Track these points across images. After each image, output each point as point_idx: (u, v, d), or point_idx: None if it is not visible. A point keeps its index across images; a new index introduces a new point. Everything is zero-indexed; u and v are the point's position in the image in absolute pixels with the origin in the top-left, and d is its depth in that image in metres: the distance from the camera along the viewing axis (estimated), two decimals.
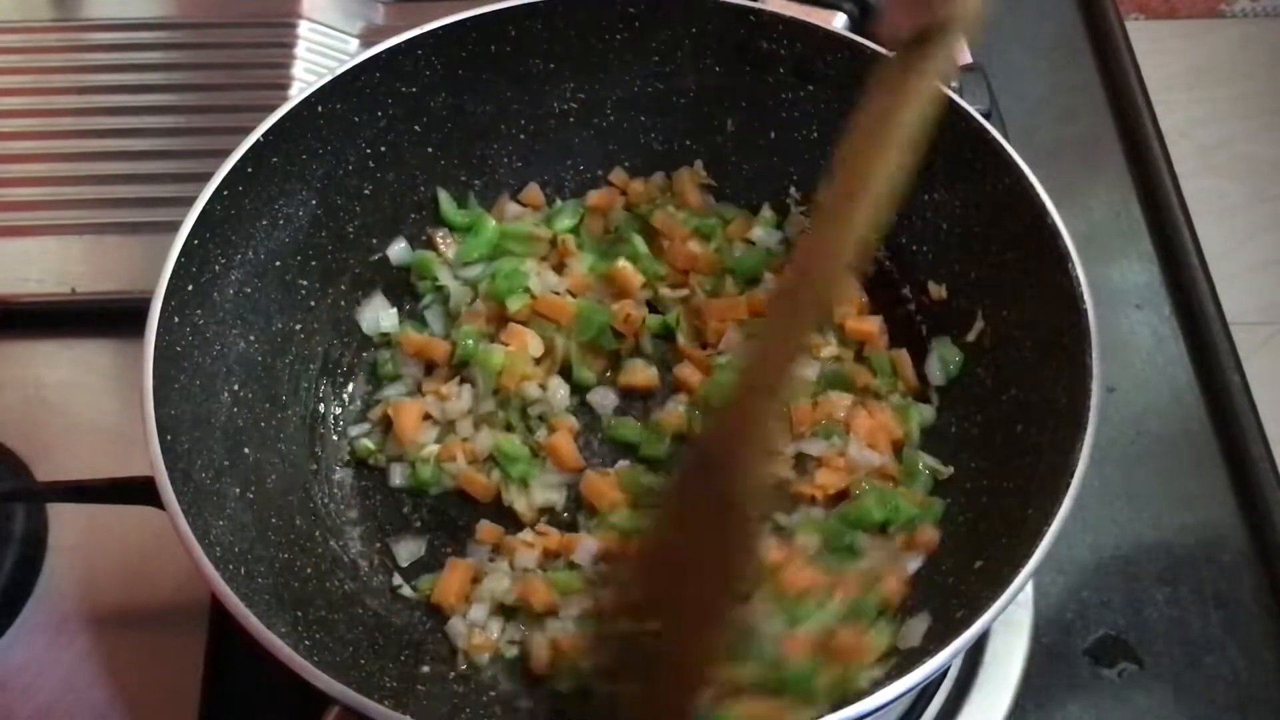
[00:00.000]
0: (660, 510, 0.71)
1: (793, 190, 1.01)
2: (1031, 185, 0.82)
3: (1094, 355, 0.75)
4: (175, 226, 0.80)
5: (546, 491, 0.91)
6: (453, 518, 0.91)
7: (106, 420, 0.98)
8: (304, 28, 1.19)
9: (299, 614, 0.77)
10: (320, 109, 0.89)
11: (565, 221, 1.02)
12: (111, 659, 0.86)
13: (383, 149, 0.95)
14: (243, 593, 0.68)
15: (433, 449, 0.92)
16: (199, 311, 0.82)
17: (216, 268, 0.84)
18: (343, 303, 0.96)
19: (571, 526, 0.90)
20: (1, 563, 0.89)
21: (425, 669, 0.83)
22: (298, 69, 1.16)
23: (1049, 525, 0.69)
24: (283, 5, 1.20)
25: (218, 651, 0.86)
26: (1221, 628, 0.91)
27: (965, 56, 1.20)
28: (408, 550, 0.89)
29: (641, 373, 0.95)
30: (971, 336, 0.91)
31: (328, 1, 1.21)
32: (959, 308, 0.92)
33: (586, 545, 0.86)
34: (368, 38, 1.20)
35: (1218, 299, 1.08)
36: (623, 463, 0.92)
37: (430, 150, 0.98)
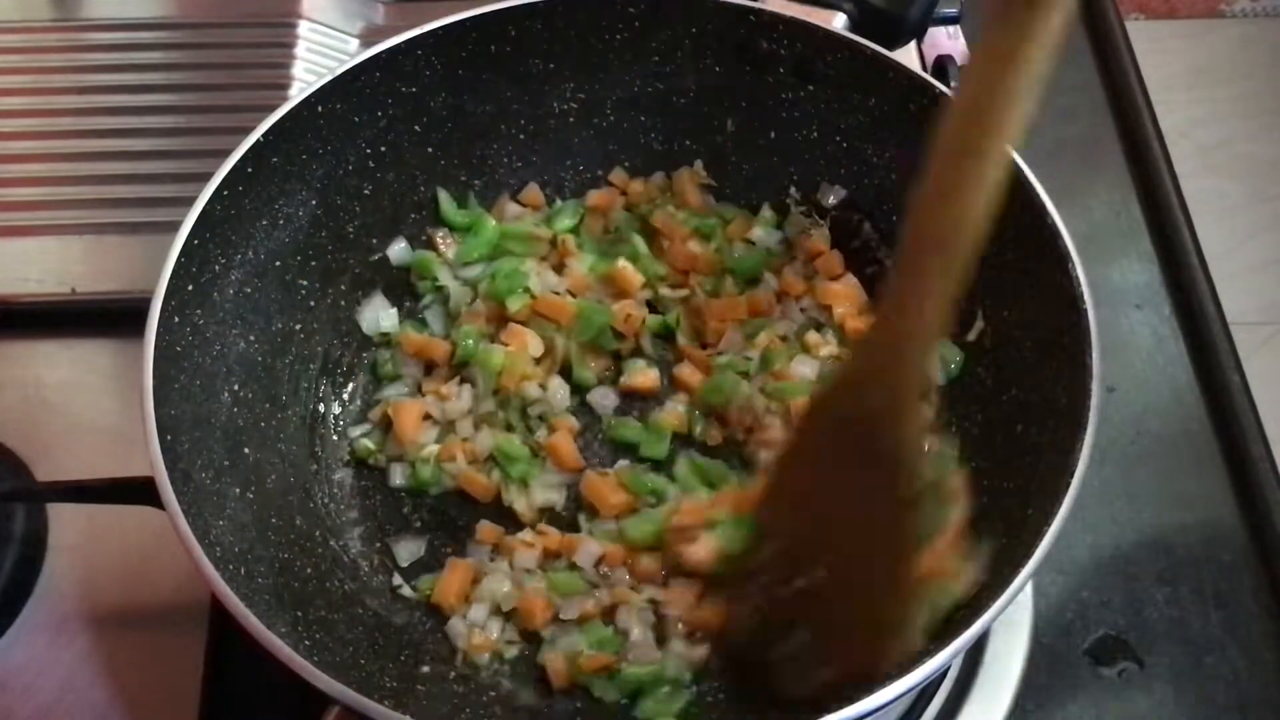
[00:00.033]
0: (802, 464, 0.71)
1: (793, 190, 1.01)
2: (1031, 185, 0.82)
3: (1094, 355, 0.75)
4: (175, 226, 0.80)
5: (546, 491, 0.91)
6: (453, 518, 0.91)
7: (106, 420, 0.98)
8: (304, 28, 1.19)
9: (299, 614, 0.77)
10: (320, 109, 0.89)
11: (565, 221, 1.02)
12: (111, 659, 0.86)
13: (383, 149, 0.95)
14: (243, 593, 0.68)
15: (433, 449, 0.92)
16: (199, 311, 0.82)
17: (216, 268, 0.84)
18: (343, 303, 0.96)
19: (572, 526, 0.90)
20: (1, 563, 0.89)
21: (425, 669, 0.83)
22: (298, 69, 1.16)
23: (1049, 525, 0.69)
24: (283, 5, 1.20)
25: (218, 651, 0.86)
26: (1221, 628, 0.91)
27: (965, 56, 1.20)
28: (408, 550, 0.89)
29: (643, 374, 0.95)
30: (971, 336, 0.90)
31: (328, 1, 1.21)
32: (959, 308, 0.92)
33: (588, 547, 0.86)
34: (368, 38, 1.20)
35: (1218, 299, 1.08)
36: (623, 463, 0.92)
37: (430, 150, 0.98)
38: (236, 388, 0.85)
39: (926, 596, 0.69)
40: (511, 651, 0.85)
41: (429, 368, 0.97)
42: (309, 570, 0.83)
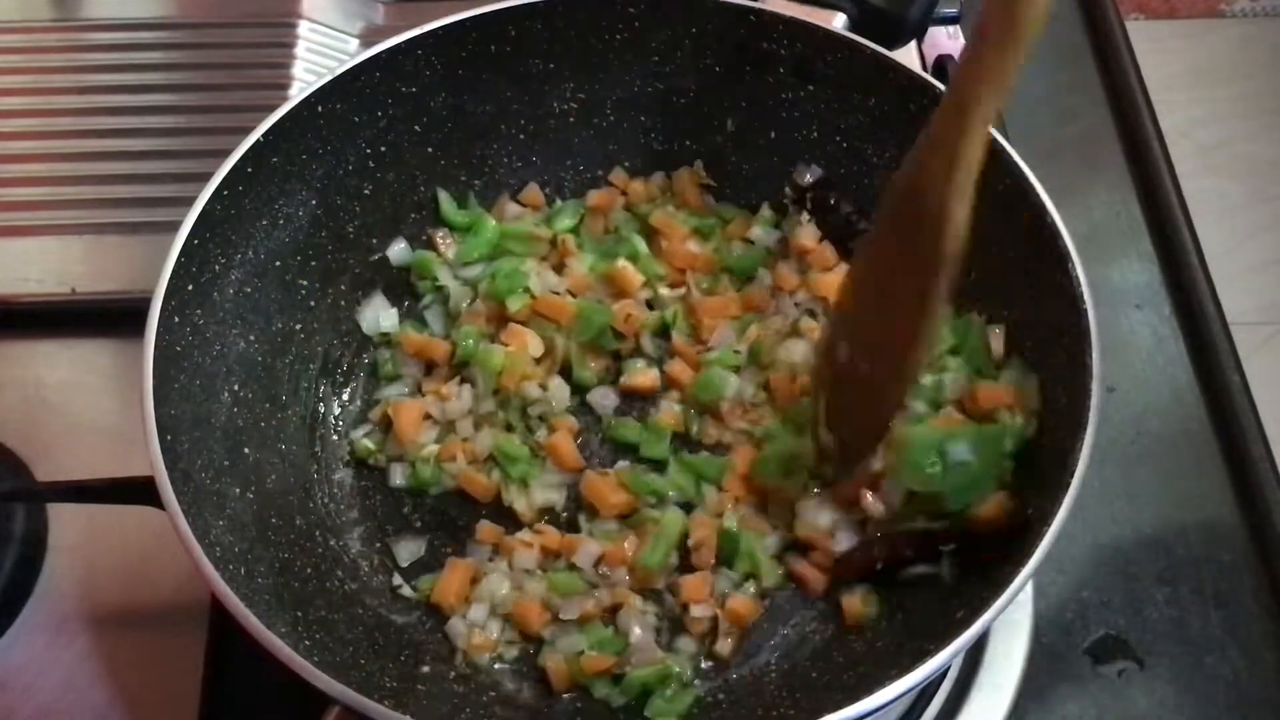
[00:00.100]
0: (866, 254, 0.81)
1: (789, 190, 1.01)
2: (1031, 185, 0.82)
3: (1094, 355, 0.75)
4: (175, 226, 0.80)
5: (546, 491, 0.91)
6: (453, 518, 0.91)
7: (106, 420, 0.98)
8: (304, 28, 1.19)
9: (299, 614, 0.77)
10: (320, 109, 0.89)
11: (565, 221, 1.02)
12: (111, 659, 0.86)
13: (383, 149, 0.95)
14: (243, 593, 0.68)
15: (433, 449, 0.92)
16: (199, 311, 0.82)
17: (216, 268, 0.84)
18: (343, 303, 0.96)
19: (572, 526, 0.90)
20: (1, 563, 0.89)
21: (425, 669, 0.83)
22: (298, 69, 1.16)
23: (1049, 525, 0.69)
24: (283, 5, 1.20)
25: (218, 651, 0.86)
26: (1221, 628, 0.91)
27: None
28: (408, 550, 0.89)
29: (643, 374, 0.95)
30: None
31: (328, 1, 1.21)
32: (959, 307, 0.92)
33: (588, 547, 0.86)
34: (368, 38, 1.20)
35: (1218, 299, 1.08)
36: (623, 463, 0.92)
37: (430, 150, 0.98)
38: (236, 388, 0.85)
39: (991, 433, 0.81)
40: (511, 651, 0.85)
41: (429, 368, 0.97)
42: (309, 570, 0.83)
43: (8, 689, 0.85)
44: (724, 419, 0.93)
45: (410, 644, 0.84)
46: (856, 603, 0.83)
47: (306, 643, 0.74)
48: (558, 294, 0.98)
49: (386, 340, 0.98)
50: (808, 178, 0.99)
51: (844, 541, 0.86)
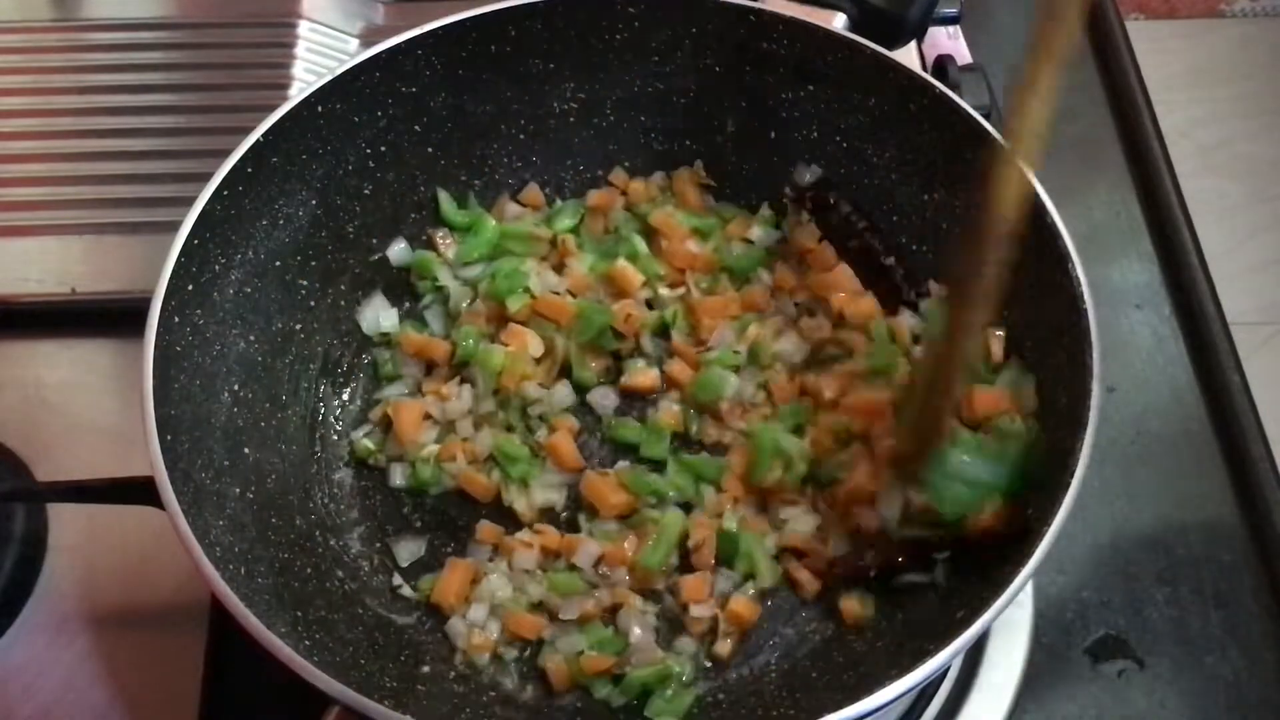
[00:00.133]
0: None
1: (789, 190, 1.01)
2: (1032, 185, 0.82)
3: (1094, 355, 0.75)
4: (175, 226, 0.80)
5: (546, 492, 0.91)
6: (453, 518, 0.91)
7: (106, 420, 0.98)
8: (304, 28, 1.19)
9: (299, 614, 0.77)
10: (320, 109, 0.89)
11: (565, 221, 1.02)
12: (111, 659, 0.86)
13: (383, 149, 0.95)
14: (243, 593, 0.68)
15: (433, 449, 0.92)
16: (199, 311, 0.82)
17: (216, 268, 0.84)
18: (343, 303, 0.96)
19: (572, 526, 0.90)
20: (1, 563, 0.89)
21: (425, 669, 0.83)
22: (298, 69, 1.15)
23: (1049, 525, 0.69)
24: (283, 5, 1.20)
25: (218, 651, 0.86)
26: (1221, 628, 0.91)
27: (965, 56, 1.20)
28: (408, 550, 0.89)
29: (643, 374, 0.95)
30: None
31: (328, 1, 1.21)
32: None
33: (587, 548, 0.86)
34: (368, 38, 1.20)
35: (1218, 299, 1.08)
36: (623, 463, 0.92)
37: (430, 150, 0.98)
38: (236, 388, 0.85)
39: (990, 442, 0.82)
40: (511, 651, 0.85)
41: (429, 368, 0.97)
42: (309, 570, 0.83)
43: (8, 689, 0.85)
44: (724, 419, 0.93)
45: (410, 644, 0.84)
46: (854, 604, 0.83)
47: (306, 643, 0.74)
48: (558, 294, 0.98)
49: (386, 340, 0.98)
50: (807, 177, 0.99)
51: (836, 547, 0.86)
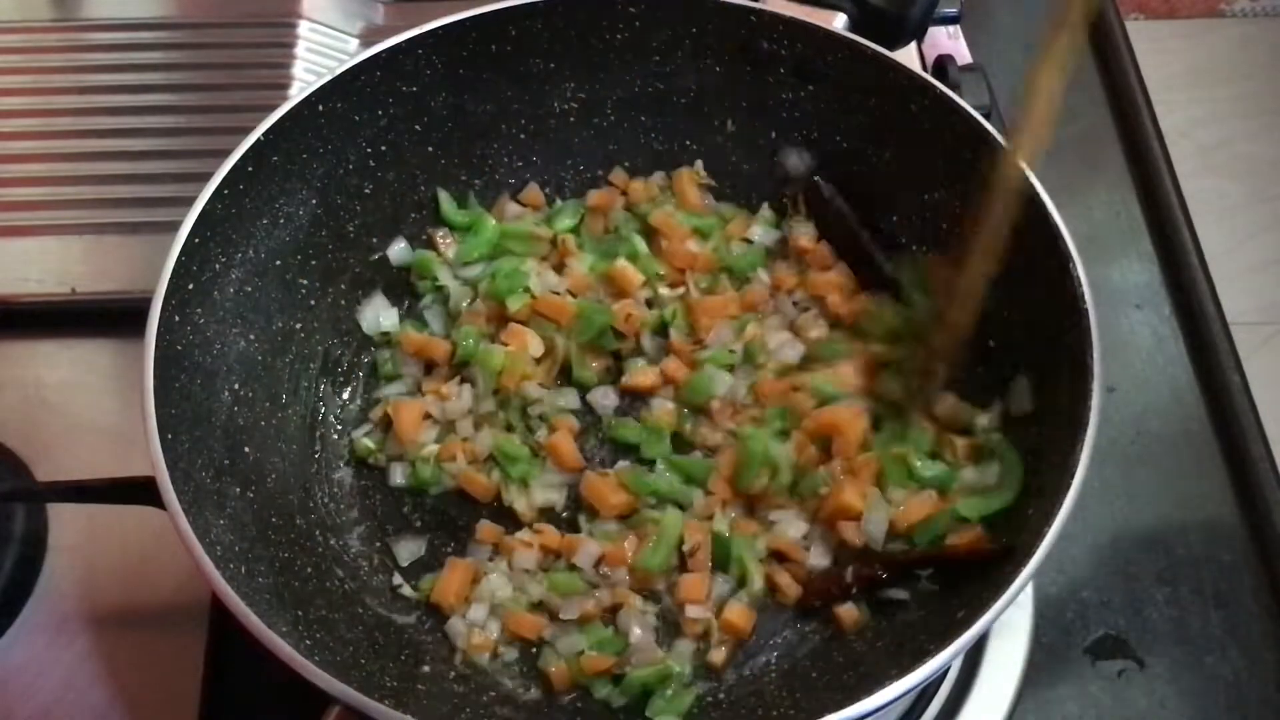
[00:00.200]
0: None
1: (785, 182, 1.01)
2: (1032, 185, 0.82)
3: (1094, 355, 0.75)
4: (175, 226, 0.80)
5: (546, 491, 0.91)
6: (453, 517, 0.91)
7: (106, 420, 0.98)
8: (304, 28, 1.19)
9: (299, 613, 0.77)
10: (320, 109, 0.89)
11: (565, 221, 1.02)
12: (111, 659, 0.86)
13: (383, 148, 0.95)
14: (243, 592, 0.68)
15: (433, 449, 0.92)
16: (199, 311, 0.82)
17: (217, 267, 0.84)
18: (343, 302, 0.96)
19: (572, 526, 0.90)
20: (1, 563, 0.89)
21: (425, 669, 0.83)
22: (298, 69, 1.16)
23: (1049, 525, 0.69)
24: (283, 5, 1.20)
25: (218, 651, 0.86)
26: (1221, 628, 0.91)
27: (965, 56, 1.20)
28: (408, 550, 0.89)
29: (643, 373, 0.95)
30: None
31: (328, 1, 1.21)
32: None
33: (587, 548, 0.86)
34: (368, 38, 1.20)
35: (1218, 299, 1.08)
36: (623, 463, 0.92)
37: (430, 150, 0.98)
38: (236, 387, 0.85)
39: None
40: (511, 652, 0.85)
41: (429, 367, 0.97)
42: (309, 570, 0.83)
43: (8, 689, 0.85)
44: (714, 419, 0.93)
45: (410, 644, 0.84)
46: (848, 612, 0.83)
47: (307, 642, 0.74)
48: (558, 294, 0.98)
49: (386, 340, 0.98)
50: (800, 166, 0.99)
51: (818, 557, 0.86)
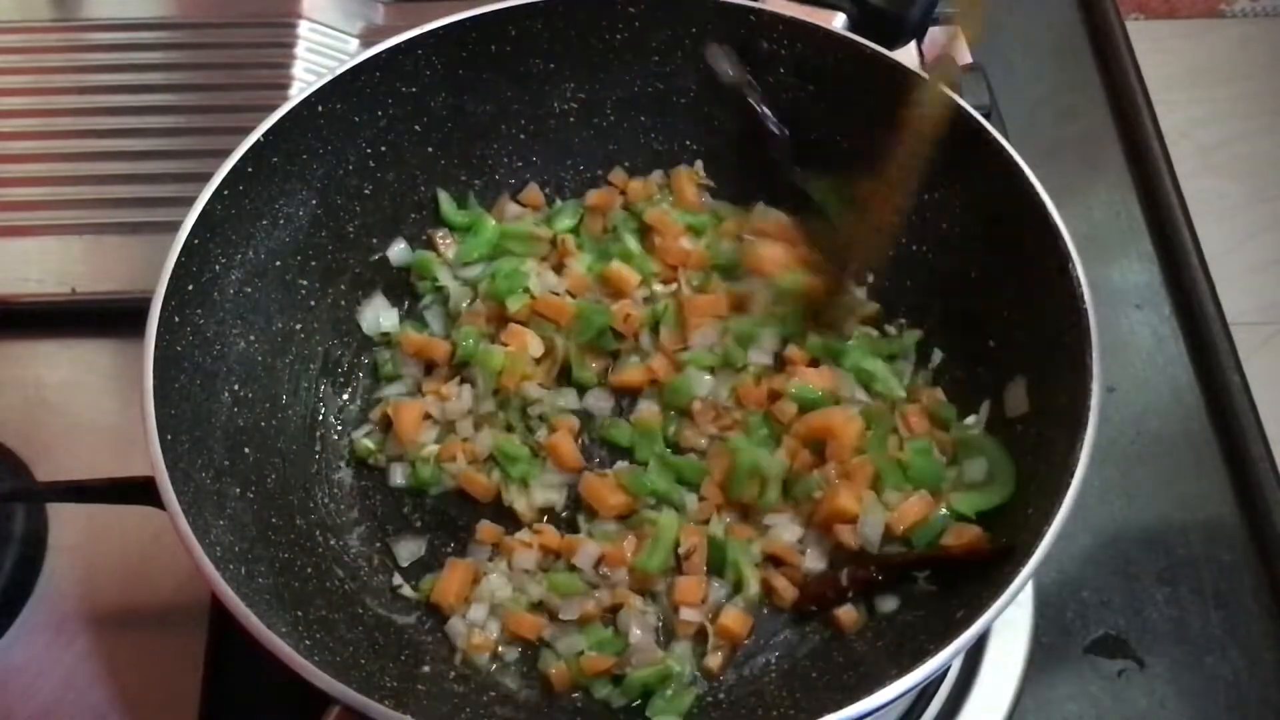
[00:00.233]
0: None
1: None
2: (1032, 185, 0.82)
3: (1094, 355, 0.75)
4: (175, 226, 0.80)
5: (546, 491, 0.91)
6: (453, 518, 0.91)
7: (106, 420, 0.98)
8: (304, 28, 1.19)
9: (299, 614, 0.77)
10: (320, 109, 0.89)
11: (565, 222, 1.02)
12: (111, 659, 0.86)
13: (383, 149, 0.95)
14: (243, 592, 0.68)
15: (433, 449, 0.92)
16: (199, 311, 0.82)
17: (217, 267, 0.84)
18: (343, 303, 0.96)
19: (572, 526, 0.90)
20: (1, 563, 0.89)
21: (425, 669, 0.83)
22: (298, 69, 1.16)
23: (1049, 525, 0.69)
24: (283, 5, 1.20)
25: (218, 651, 0.86)
26: (1221, 628, 0.91)
27: (965, 56, 1.20)
28: (408, 550, 0.89)
29: (632, 372, 0.95)
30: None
31: (328, 1, 1.21)
32: (959, 308, 0.92)
33: (587, 548, 0.86)
34: (368, 38, 1.20)
35: (1218, 299, 1.08)
36: (622, 463, 0.92)
37: (430, 150, 0.98)
38: (236, 388, 0.85)
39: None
40: (511, 652, 0.85)
41: (429, 368, 0.97)
42: (309, 570, 0.83)
43: (8, 689, 0.85)
44: (696, 421, 0.93)
45: (410, 644, 0.84)
46: (847, 614, 0.83)
47: (307, 642, 0.74)
48: (557, 294, 0.98)
49: (386, 340, 0.98)
50: (724, 65, 0.97)
51: (814, 560, 0.86)
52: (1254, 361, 1.07)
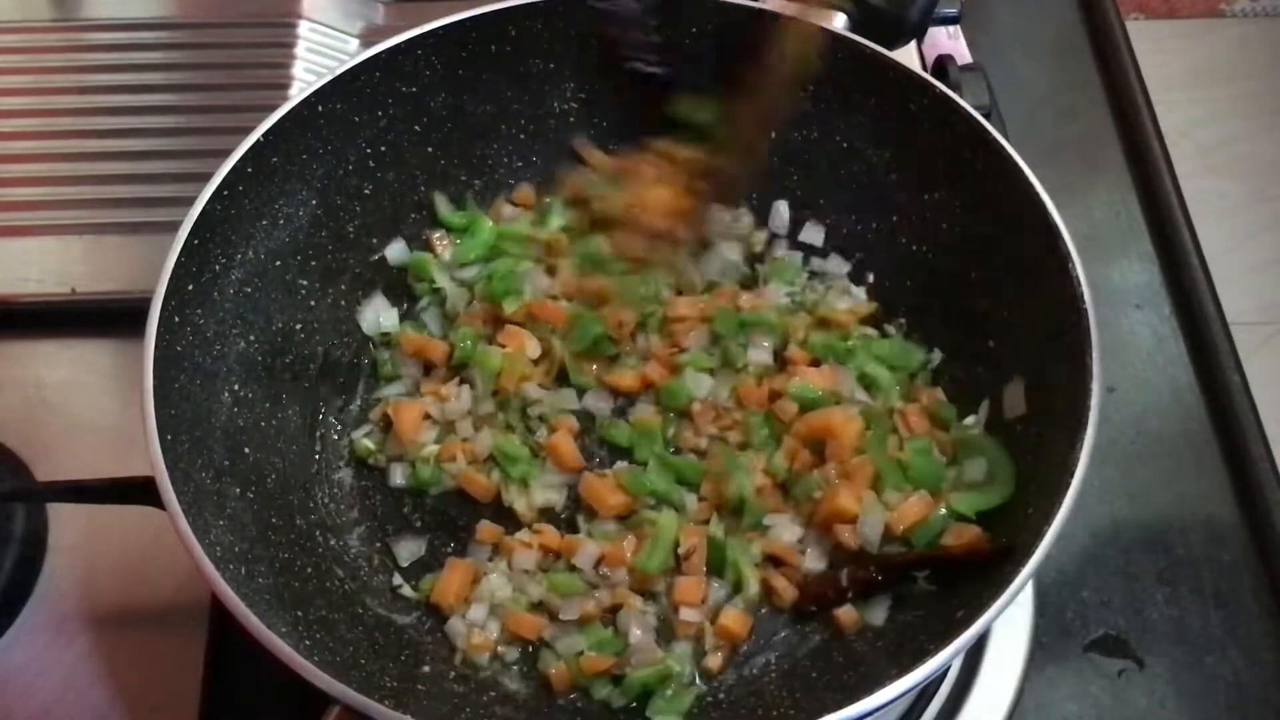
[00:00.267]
0: None
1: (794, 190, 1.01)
2: (1031, 185, 0.82)
3: (1094, 355, 0.75)
4: (175, 226, 0.80)
5: (546, 492, 0.91)
6: (453, 518, 0.91)
7: (106, 420, 0.98)
8: (304, 28, 1.19)
9: (299, 614, 0.77)
10: (320, 109, 0.89)
11: (557, 220, 1.01)
12: (111, 659, 0.86)
13: (383, 149, 0.95)
14: (243, 592, 0.68)
15: (432, 449, 0.92)
16: (199, 311, 0.82)
17: (216, 268, 0.84)
18: (343, 303, 0.96)
19: (572, 526, 0.90)
20: (1, 563, 0.89)
21: (425, 669, 0.83)
22: (298, 69, 1.16)
23: (1049, 525, 0.69)
24: (283, 5, 1.20)
25: (218, 651, 0.86)
26: (1221, 628, 0.91)
27: (965, 56, 1.20)
28: (408, 550, 0.89)
29: (625, 377, 0.95)
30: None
31: (328, 1, 1.21)
32: (959, 308, 0.92)
33: (587, 549, 0.86)
34: (368, 38, 1.20)
35: (1218, 299, 1.08)
36: (621, 463, 0.92)
37: (430, 150, 0.98)
38: (236, 388, 0.85)
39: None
40: (512, 652, 0.85)
41: (428, 368, 0.97)
42: (309, 570, 0.83)
43: (8, 689, 0.85)
44: (696, 422, 0.93)
45: (410, 644, 0.84)
46: (848, 614, 0.83)
47: (307, 642, 0.74)
48: (555, 298, 0.97)
49: (387, 340, 0.98)
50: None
51: (813, 560, 0.86)
52: (1254, 361, 1.07)
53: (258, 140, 0.85)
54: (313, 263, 0.93)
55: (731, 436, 0.91)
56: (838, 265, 1.00)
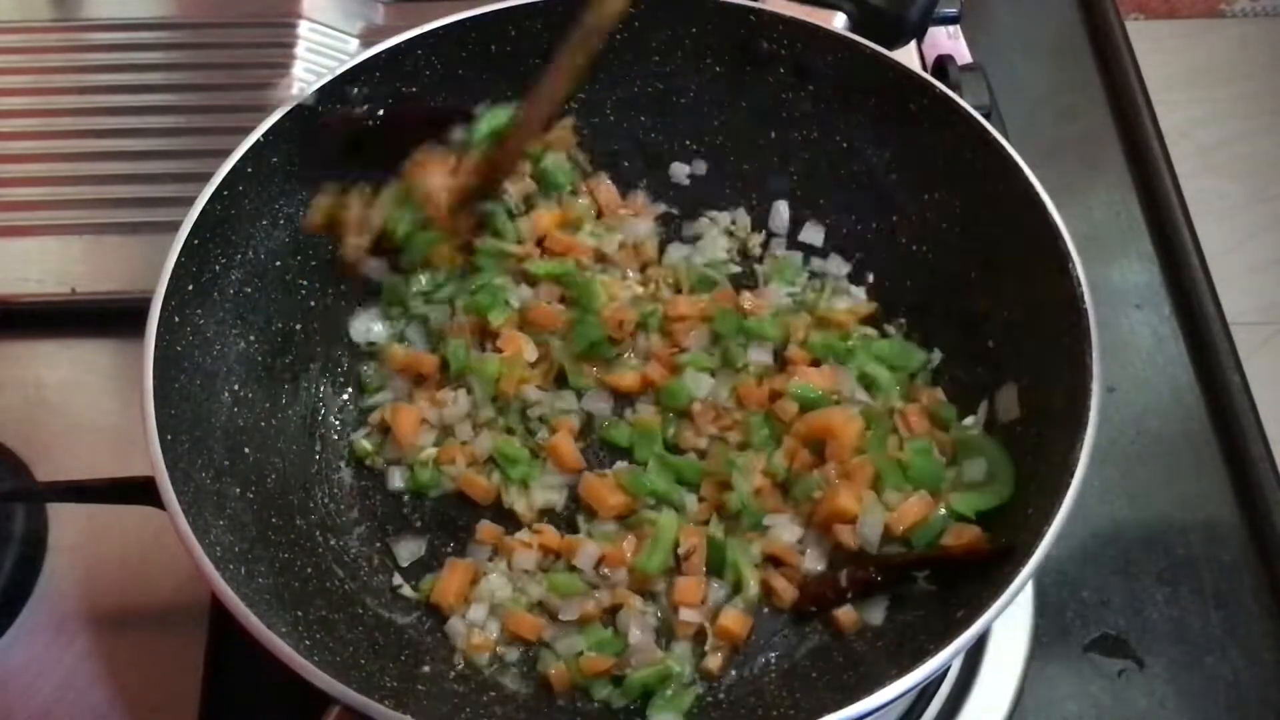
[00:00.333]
0: None
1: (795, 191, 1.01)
2: (1031, 185, 0.82)
3: (1094, 355, 0.75)
4: (175, 226, 0.80)
5: (547, 492, 0.91)
6: (453, 518, 0.91)
7: (106, 420, 0.98)
8: (304, 28, 1.19)
9: (299, 614, 0.77)
10: (321, 109, 0.89)
11: (485, 128, 0.94)
12: (111, 659, 0.86)
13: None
14: (243, 592, 0.68)
15: (431, 452, 0.92)
16: (199, 311, 0.82)
17: (216, 268, 0.84)
18: (342, 304, 0.96)
19: (571, 526, 0.90)
20: (1, 563, 0.89)
21: (425, 669, 0.83)
22: (298, 69, 1.16)
23: (1049, 525, 0.69)
24: (283, 5, 1.20)
25: (218, 651, 0.86)
26: (1221, 628, 0.91)
27: (965, 56, 1.20)
28: (408, 550, 0.89)
29: (624, 377, 0.95)
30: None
31: (328, 1, 1.21)
32: (959, 308, 0.92)
33: (587, 549, 0.86)
34: (368, 38, 1.20)
35: (1218, 299, 1.08)
36: (621, 464, 0.92)
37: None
38: (236, 388, 0.85)
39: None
40: (512, 652, 0.85)
41: (418, 380, 0.96)
42: (309, 570, 0.83)
43: (8, 689, 0.85)
44: (696, 422, 0.92)
45: (410, 644, 0.84)
46: (848, 614, 0.83)
47: (307, 642, 0.74)
48: (548, 304, 0.97)
49: (372, 351, 0.96)
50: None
51: (813, 561, 0.86)
52: (1254, 361, 1.07)
53: (258, 140, 0.85)
54: (313, 263, 0.93)
55: (731, 436, 0.91)
56: (838, 265, 1.00)
